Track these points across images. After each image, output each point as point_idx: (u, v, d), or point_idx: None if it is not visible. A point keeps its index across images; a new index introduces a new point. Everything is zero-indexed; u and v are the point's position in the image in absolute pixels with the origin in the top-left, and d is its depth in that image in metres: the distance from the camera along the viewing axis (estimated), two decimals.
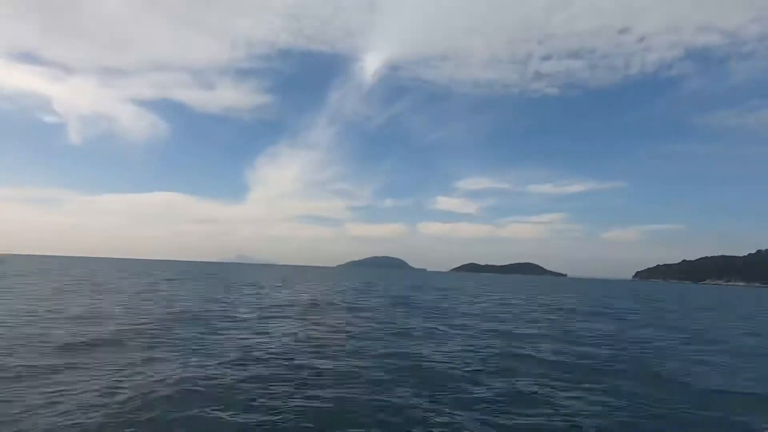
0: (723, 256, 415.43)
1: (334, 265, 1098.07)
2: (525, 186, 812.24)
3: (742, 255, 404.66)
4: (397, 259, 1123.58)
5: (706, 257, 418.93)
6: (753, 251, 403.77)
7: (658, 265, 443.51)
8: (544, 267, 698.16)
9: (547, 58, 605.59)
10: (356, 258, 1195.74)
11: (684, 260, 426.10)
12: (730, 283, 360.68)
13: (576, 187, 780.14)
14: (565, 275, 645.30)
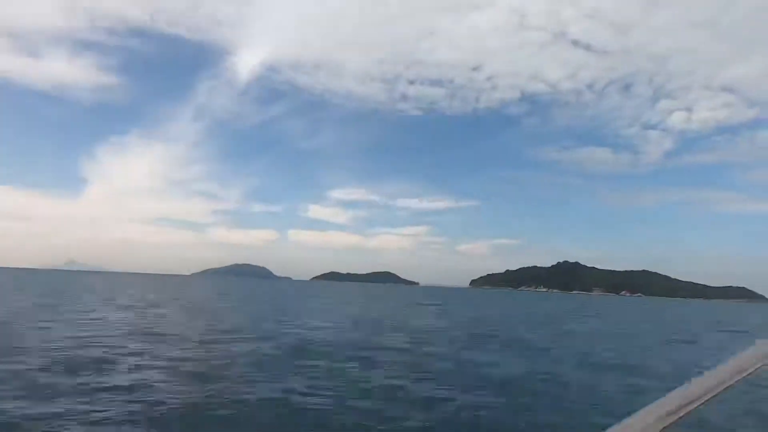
0: (534, 267, 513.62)
1: (189, 273, 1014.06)
2: (394, 199, 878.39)
3: (547, 266, 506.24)
4: (261, 267, 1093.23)
5: (523, 267, 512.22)
6: (556, 262, 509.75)
7: (488, 274, 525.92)
8: (400, 276, 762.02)
9: (412, 82, 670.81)
10: (215, 266, 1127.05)
11: (507, 270, 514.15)
12: (537, 290, 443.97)
13: (439, 204, 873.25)
14: (418, 284, 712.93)
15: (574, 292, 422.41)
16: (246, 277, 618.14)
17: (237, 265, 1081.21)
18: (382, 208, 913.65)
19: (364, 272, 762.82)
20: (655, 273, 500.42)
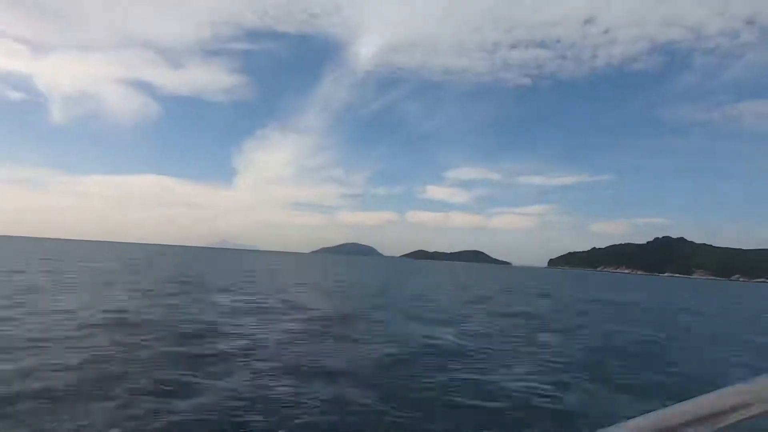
0: (628, 244, 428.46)
1: (308, 252, 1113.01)
2: (515, 177, 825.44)
3: (643, 242, 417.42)
4: (367, 246, 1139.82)
5: (613, 245, 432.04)
6: (653, 238, 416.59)
7: (568, 252, 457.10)
8: (490, 255, 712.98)
9: (514, 46, 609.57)
10: (328, 245, 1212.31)
11: (594, 248, 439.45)
12: (616, 270, 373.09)
13: (565, 180, 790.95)
14: (510, 264, 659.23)
15: (665, 274, 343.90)
16: (354, 255, 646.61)
17: (345, 245, 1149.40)
18: (504, 186, 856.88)
19: (454, 251, 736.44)
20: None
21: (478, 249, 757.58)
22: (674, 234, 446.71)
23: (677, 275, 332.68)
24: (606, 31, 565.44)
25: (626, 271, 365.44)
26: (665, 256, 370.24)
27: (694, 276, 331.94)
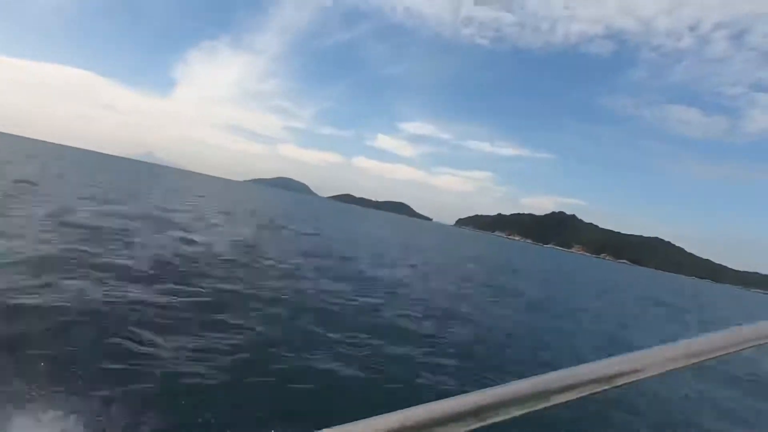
0: (530, 214, 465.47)
1: (241, 180, 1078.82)
2: (464, 140, 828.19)
3: (540, 215, 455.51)
4: (301, 183, 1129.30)
5: (517, 213, 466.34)
6: (551, 212, 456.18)
7: (476, 215, 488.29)
8: (414, 209, 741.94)
9: (478, 2, 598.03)
10: (263, 176, 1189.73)
11: (499, 213, 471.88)
12: (508, 237, 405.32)
13: (506, 151, 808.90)
14: (431, 219, 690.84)
15: (548, 245, 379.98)
16: (289, 191, 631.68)
17: (281, 178, 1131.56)
18: (451, 147, 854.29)
19: (380, 200, 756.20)
20: (669, 243, 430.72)
21: (403, 201, 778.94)
22: (580, 213, 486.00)
23: (557, 248, 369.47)
24: (566, 7, 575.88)
25: (516, 238, 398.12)
26: (555, 229, 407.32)
27: (572, 250, 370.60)
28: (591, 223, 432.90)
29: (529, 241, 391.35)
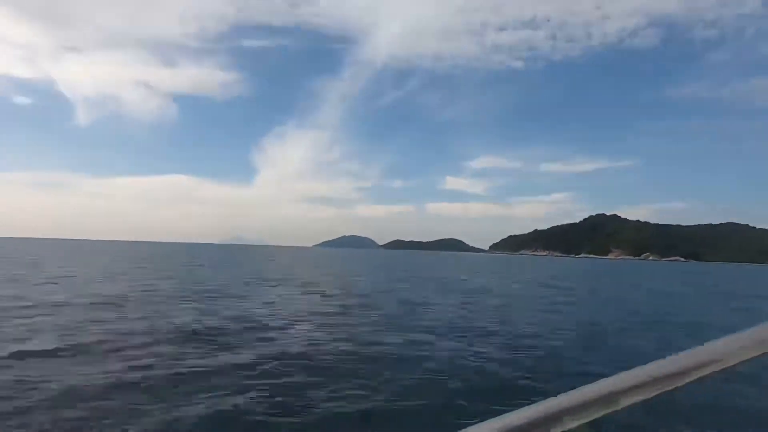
0: (563, 225, 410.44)
1: (310, 245, 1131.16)
2: (536, 164, 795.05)
3: (578, 221, 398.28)
4: (366, 237, 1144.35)
5: (555, 226, 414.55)
6: (588, 216, 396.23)
7: (509, 236, 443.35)
8: (467, 243, 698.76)
9: (502, 28, 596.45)
10: (329, 238, 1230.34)
11: (535, 230, 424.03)
12: (535, 253, 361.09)
13: (585, 166, 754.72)
14: (485, 250, 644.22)
15: (580, 255, 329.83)
16: (355, 248, 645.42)
17: (344, 237, 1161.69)
18: (523, 175, 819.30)
19: (432, 240, 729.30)
20: (746, 226, 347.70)
21: (456, 237, 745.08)
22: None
23: (591, 255, 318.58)
24: (597, 7, 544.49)
25: (543, 253, 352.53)
26: (589, 235, 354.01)
27: (608, 256, 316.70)
28: (638, 221, 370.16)
29: (557, 253, 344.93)
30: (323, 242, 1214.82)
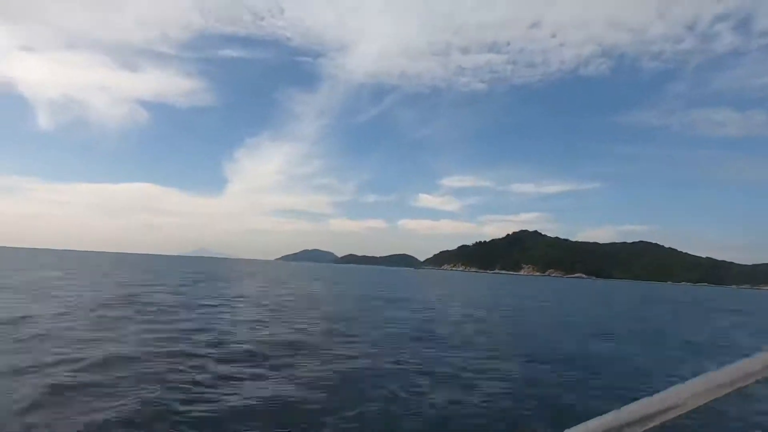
0: (485, 242, 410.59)
1: (273, 259, 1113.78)
2: (508, 185, 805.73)
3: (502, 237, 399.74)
4: (328, 252, 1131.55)
5: (480, 242, 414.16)
6: (512, 231, 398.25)
7: (441, 251, 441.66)
8: (419, 258, 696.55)
9: (466, 51, 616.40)
10: (289, 252, 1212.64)
11: (462, 245, 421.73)
12: (453, 269, 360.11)
13: (555, 188, 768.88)
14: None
15: (494, 271, 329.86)
16: (317, 262, 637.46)
17: (306, 251, 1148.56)
18: (496, 194, 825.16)
19: (385, 255, 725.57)
20: (656, 245, 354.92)
21: (408, 253, 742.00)
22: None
23: (503, 272, 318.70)
24: (553, 35, 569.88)
25: (461, 268, 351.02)
26: (507, 251, 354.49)
27: (520, 272, 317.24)
28: (557, 237, 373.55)
29: (473, 269, 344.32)
30: (283, 256, 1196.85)
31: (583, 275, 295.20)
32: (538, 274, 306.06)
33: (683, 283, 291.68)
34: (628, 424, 0.59)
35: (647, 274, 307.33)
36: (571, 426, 0.60)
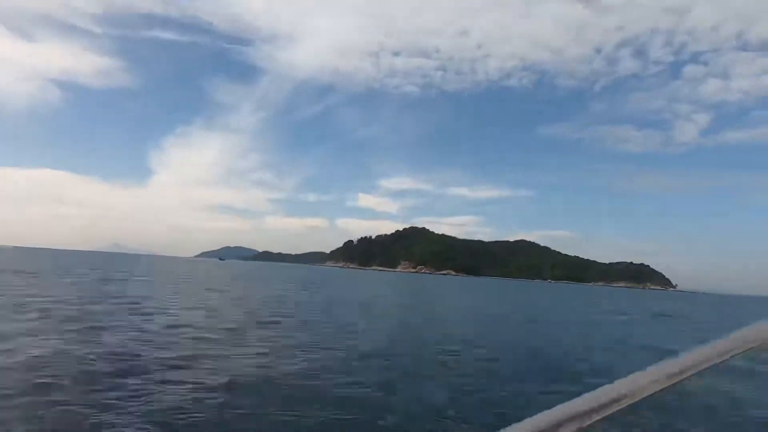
0: (366, 238, 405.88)
1: (191, 256, 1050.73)
2: (444, 188, 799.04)
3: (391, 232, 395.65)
4: (250, 249, 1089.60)
5: (365, 238, 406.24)
6: (402, 228, 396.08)
7: (334, 249, 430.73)
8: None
9: (397, 53, 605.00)
10: (208, 249, 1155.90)
11: (349, 240, 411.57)
12: (336, 264, 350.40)
13: (490, 193, 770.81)
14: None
15: (371, 267, 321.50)
16: (230, 258, 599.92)
17: (228, 248, 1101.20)
18: (433, 197, 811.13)
19: (299, 252, 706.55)
20: (533, 244, 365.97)
21: (322, 250, 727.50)
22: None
23: (379, 268, 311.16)
24: (480, 45, 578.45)
25: (340, 264, 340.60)
26: (391, 246, 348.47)
27: (396, 269, 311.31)
28: (443, 234, 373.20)
29: (352, 265, 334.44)
30: (202, 253, 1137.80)
31: (452, 272, 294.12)
32: (412, 270, 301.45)
33: (549, 280, 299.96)
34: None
35: (519, 272, 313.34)
36: (529, 417, 0.57)
